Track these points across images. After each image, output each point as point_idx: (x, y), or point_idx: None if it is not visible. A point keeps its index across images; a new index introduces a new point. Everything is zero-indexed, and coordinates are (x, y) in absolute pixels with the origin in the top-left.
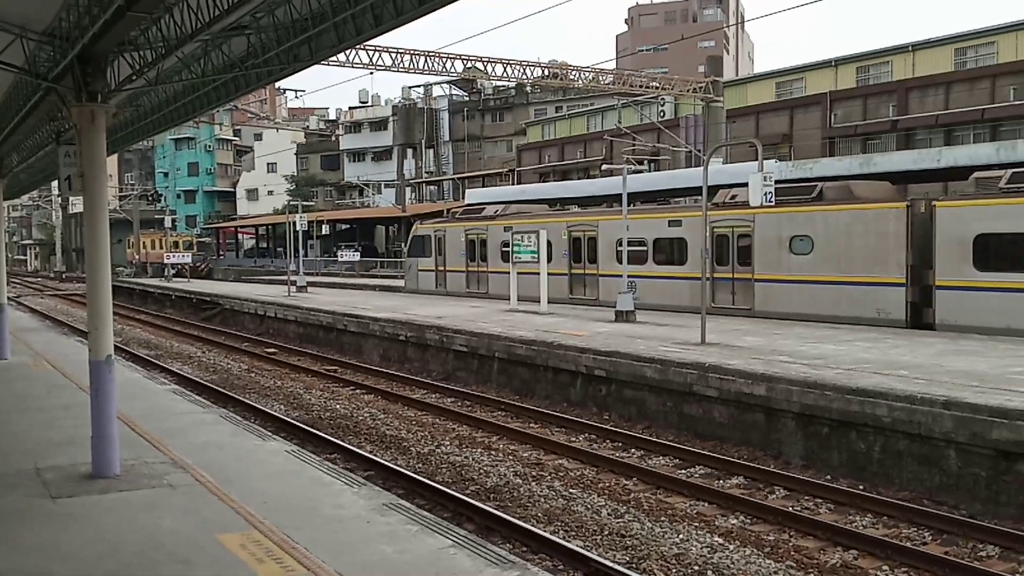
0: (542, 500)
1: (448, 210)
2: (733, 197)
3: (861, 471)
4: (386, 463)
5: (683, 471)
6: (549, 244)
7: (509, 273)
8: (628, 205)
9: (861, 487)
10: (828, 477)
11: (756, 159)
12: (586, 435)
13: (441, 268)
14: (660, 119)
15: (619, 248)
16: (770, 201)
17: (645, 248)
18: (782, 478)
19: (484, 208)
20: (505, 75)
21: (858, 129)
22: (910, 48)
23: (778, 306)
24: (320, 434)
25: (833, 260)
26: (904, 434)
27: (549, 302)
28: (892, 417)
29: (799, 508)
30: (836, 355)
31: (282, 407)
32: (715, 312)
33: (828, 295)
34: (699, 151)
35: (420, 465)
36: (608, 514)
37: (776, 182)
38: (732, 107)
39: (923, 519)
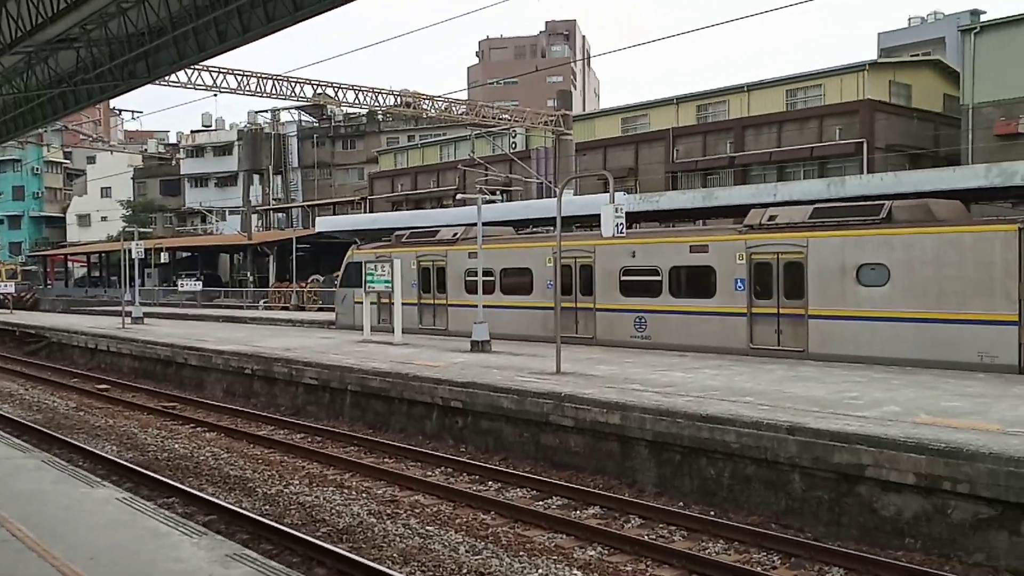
0: (398, 539)
1: (394, 233)
2: (772, 218)
3: (712, 496)
4: (229, 506)
5: (540, 503)
6: (529, 272)
7: (476, 306)
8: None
9: (712, 513)
10: (681, 504)
11: (604, 191)
12: (443, 469)
13: (386, 300)
14: (512, 150)
15: (624, 278)
16: (621, 232)
17: (659, 278)
18: (637, 506)
19: (438, 231)
20: (357, 102)
21: (699, 164)
22: (746, 88)
23: (842, 347)
24: (156, 477)
25: (917, 293)
26: (752, 459)
27: (531, 341)
28: (740, 443)
29: (654, 537)
30: (685, 383)
31: (114, 448)
32: (755, 354)
33: (911, 335)
34: (550, 182)
35: (267, 507)
36: (466, 551)
37: (815, 201)
38: (581, 140)
39: (771, 543)
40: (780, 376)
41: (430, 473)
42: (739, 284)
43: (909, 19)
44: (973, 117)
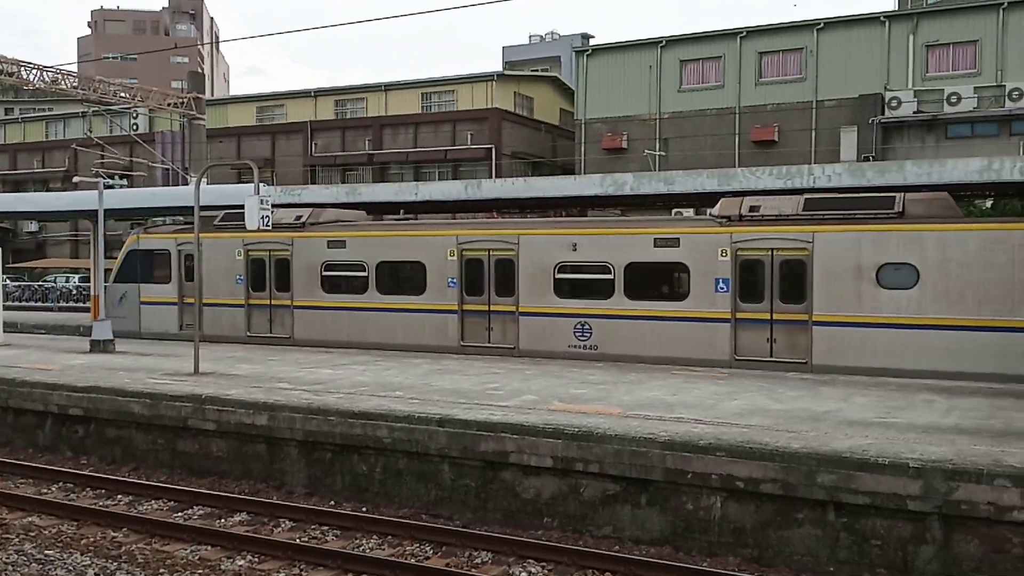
0: (11, 568)
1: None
2: (755, 209)
3: (364, 493)
4: None
5: (180, 514)
6: (421, 267)
7: (336, 308)
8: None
9: (364, 509)
10: (332, 503)
11: (240, 181)
12: (61, 484)
13: (192, 299)
14: (134, 132)
15: (560, 275)
16: (267, 225)
17: (611, 276)
18: (288, 509)
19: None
20: None
21: (338, 159)
22: (383, 88)
23: (856, 358)
24: None
25: (954, 297)
26: (404, 453)
27: (420, 352)
28: (393, 437)
29: (307, 539)
30: (335, 379)
31: None
32: (742, 366)
33: (947, 343)
34: (179, 168)
35: None
36: (96, 574)
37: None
38: (213, 127)
39: (424, 534)
40: (427, 370)
41: (46, 490)
42: (721, 285)
43: (530, 36)
44: (585, 131)
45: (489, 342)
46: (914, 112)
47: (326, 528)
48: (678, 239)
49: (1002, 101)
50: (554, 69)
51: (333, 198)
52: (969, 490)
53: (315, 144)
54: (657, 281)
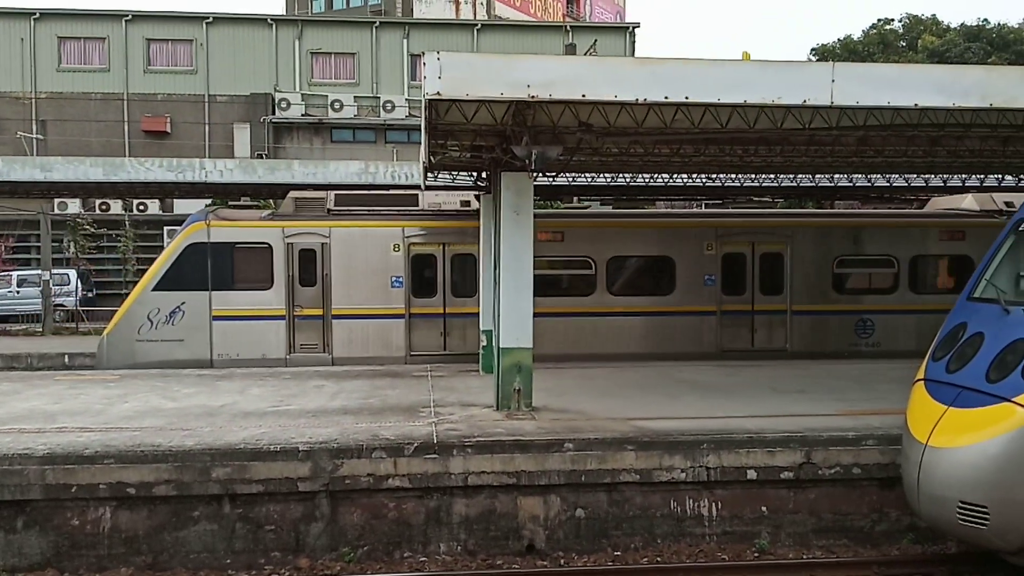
0: None
1: (290, 195)
2: None
3: None
4: None
5: None
6: (669, 263)
7: (544, 314)
8: None
9: None
10: None
11: None
12: None
13: (314, 311)
14: None
15: (839, 271)
16: None
17: (895, 270)
18: None
19: (415, 194)
20: None
21: None
22: None
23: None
24: None
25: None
26: None
27: (672, 360)
28: None
29: None
30: None
31: None
32: None
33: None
34: None
35: None
36: None
37: None
38: None
39: None
40: None
41: None
42: None
43: None
44: None
45: (753, 345)
46: (302, 115)
47: None
48: (964, 232)
49: (378, 111)
50: None
51: None
52: (352, 465)
53: None
54: (945, 274)
